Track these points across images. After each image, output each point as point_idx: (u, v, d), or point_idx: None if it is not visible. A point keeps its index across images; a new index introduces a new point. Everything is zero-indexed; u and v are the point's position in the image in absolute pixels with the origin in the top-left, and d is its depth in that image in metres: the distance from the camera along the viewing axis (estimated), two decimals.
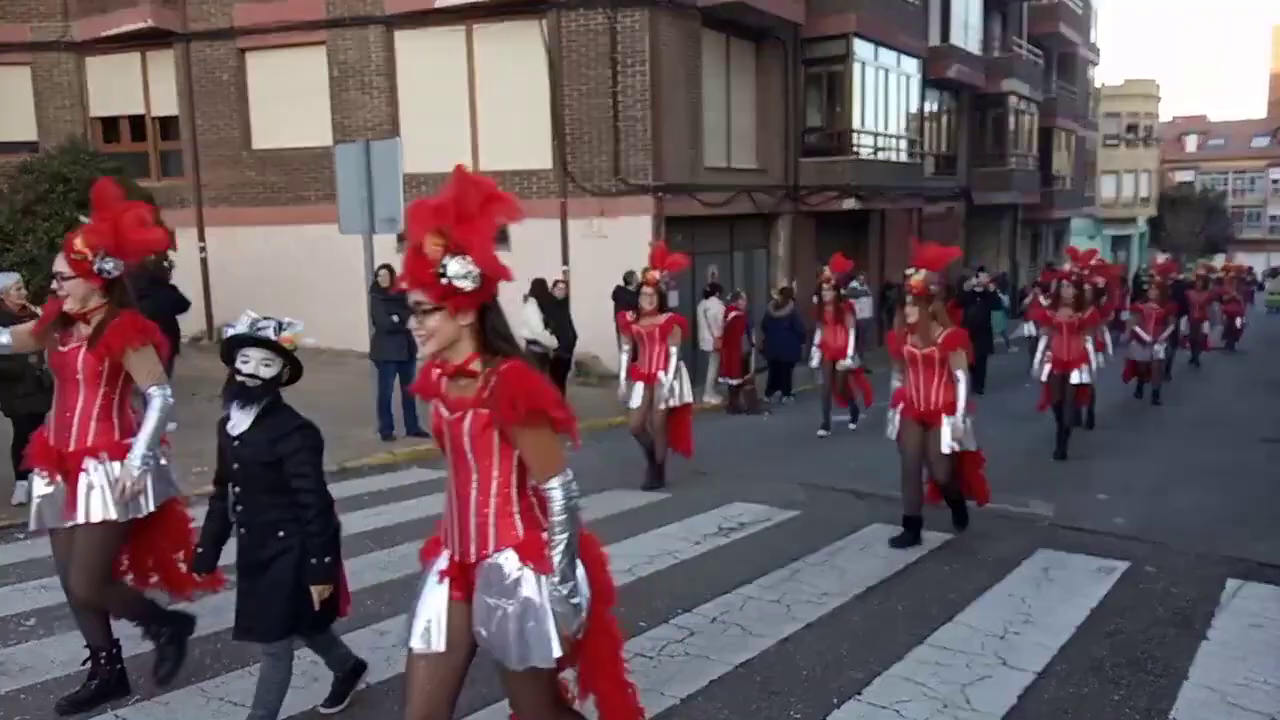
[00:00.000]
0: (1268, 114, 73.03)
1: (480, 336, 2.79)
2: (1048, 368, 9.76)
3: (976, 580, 5.79)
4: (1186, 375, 16.73)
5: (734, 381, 13.39)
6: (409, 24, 15.36)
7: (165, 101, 17.28)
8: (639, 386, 8.34)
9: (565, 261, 14.80)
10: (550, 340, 11.27)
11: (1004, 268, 28.39)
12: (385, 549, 6.27)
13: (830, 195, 18.47)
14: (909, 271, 6.34)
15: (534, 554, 2.76)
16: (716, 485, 8.36)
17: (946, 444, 6.23)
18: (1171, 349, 14.75)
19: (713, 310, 13.71)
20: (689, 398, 8.47)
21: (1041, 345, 9.96)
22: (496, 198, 2.85)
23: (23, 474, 7.42)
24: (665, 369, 8.19)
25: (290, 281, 16.01)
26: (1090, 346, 9.73)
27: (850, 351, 11.04)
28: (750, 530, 6.94)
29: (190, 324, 17.04)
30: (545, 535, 2.75)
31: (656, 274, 8.34)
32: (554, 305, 11.63)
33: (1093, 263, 12.22)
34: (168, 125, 17.54)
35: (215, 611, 5.10)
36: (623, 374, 8.83)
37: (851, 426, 11.44)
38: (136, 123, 17.76)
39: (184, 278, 14.72)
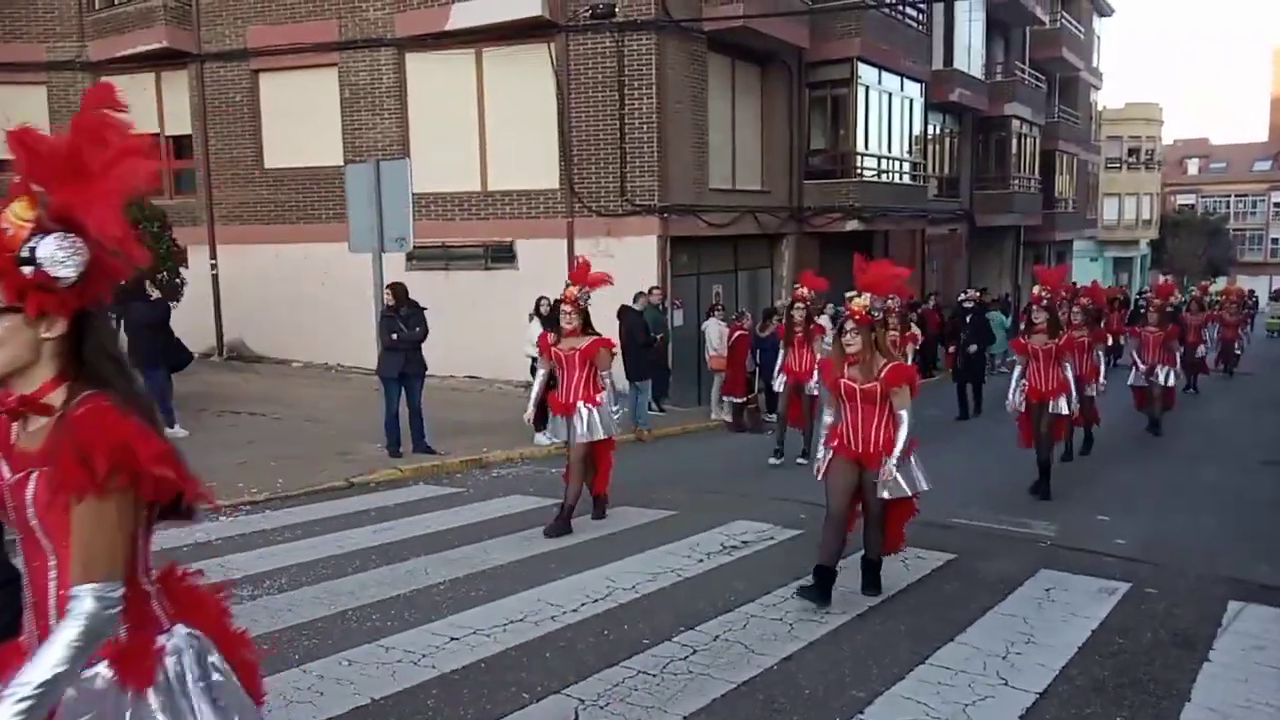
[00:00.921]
0: (1269, 138, 73.29)
1: (68, 358, 1.93)
2: (1021, 398, 8.92)
3: (978, 600, 5.82)
4: (1184, 401, 15.83)
5: (738, 400, 13.45)
6: (419, 46, 15.56)
7: (179, 121, 17.50)
8: (564, 421, 7.46)
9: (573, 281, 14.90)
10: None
11: (1006, 289, 28.49)
12: (390, 565, 6.32)
13: (834, 216, 18.63)
14: (850, 295, 5.62)
15: (131, 668, 1.92)
16: (720, 503, 8.42)
17: (881, 488, 5.54)
18: (1178, 376, 13.95)
19: (712, 330, 13.85)
20: (607, 432, 7.39)
21: (1015, 374, 9.12)
22: (131, 150, 1.92)
23: None
24: (589, 399, 7.24)
25: (300, 299, 16.17)
26: (1069, 374, 8.86)
27: (816, 377, 9.85)
28: (753, 548, 6.98)
29: (200, 340, 17.19)
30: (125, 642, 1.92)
31: (574, 290, 7.27)
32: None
33: (1078, 284, 11.87)
34: (181, 144, 17.75)
35: (254, 617, 5.16)
36: (531, 401, 7.89)
37: (800, 461, 10.22)
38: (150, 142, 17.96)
39: (196, 294, 14.90)
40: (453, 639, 4.99)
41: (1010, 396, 9.07)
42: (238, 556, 6.49)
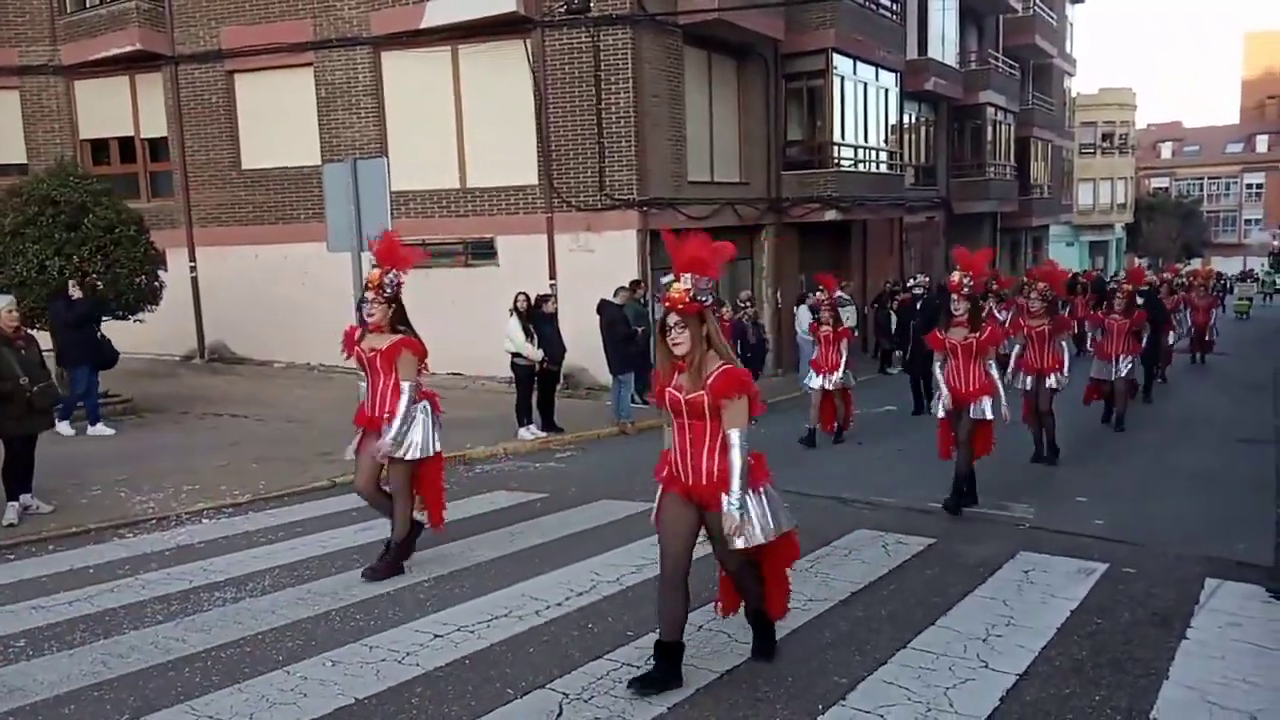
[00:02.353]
0: (1240, 120, 74.11)
1: None
2: (942, 401, 7.85)
3: (958, 584, 5.88)
4: (1156, 391, 14.72)
5: None
6: (395, 45, 15.50)
7: (154, 123, 17.38)
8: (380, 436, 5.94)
9: (552, 276, 14.92)
10: (535, 353, 11.36)
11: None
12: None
13: (812, 207, 18.70)
14: (666, 280, 4.57)
15: None
16: None
17: (732, 538, 4.25)
18: (1143, 367, 12.93)
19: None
20: (431, 448, 6.03)
21: (936, 371, 8.00)
22: None
23: (14, 494, 7.47)
24: (393, 410, 5.85)
25: (279, 299, 16.10)
26: (994, 372, 7.74)
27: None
28: None
29: (181, 343, 17.14)
30: None
31: (378, 272, 5.93)
32: (542, 319, 11.74)
33: (1033, 269, 10.74)
34: (157, 147, 17.64)
35: (204, 629, 5.17)
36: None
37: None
38: (126, 144, 17.85)
39: (176, 297, 14.81)
40: (437, 636, 5.01)
41: (935, 401, 8.09)
42: (220, 559, 6.49)
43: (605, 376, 13.20)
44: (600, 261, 14.50)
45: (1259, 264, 55.34)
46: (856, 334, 13.85)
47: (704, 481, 4.31)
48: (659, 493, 4.52)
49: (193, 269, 17.20)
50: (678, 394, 4.30)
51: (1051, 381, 9.79)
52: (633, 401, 12.81)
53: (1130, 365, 11.86)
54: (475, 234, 15.57)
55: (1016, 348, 10.14)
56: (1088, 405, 12.10)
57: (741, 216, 17.67)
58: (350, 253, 10.23)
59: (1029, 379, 9.94)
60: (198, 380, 15.26)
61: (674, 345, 4.25)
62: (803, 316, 16.38)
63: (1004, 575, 6.07)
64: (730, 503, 4.18)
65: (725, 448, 4.23)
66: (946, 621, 5.24)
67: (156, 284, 12.73)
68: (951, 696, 4.30)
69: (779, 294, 18.81)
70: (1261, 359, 20.46)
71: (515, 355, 11.34)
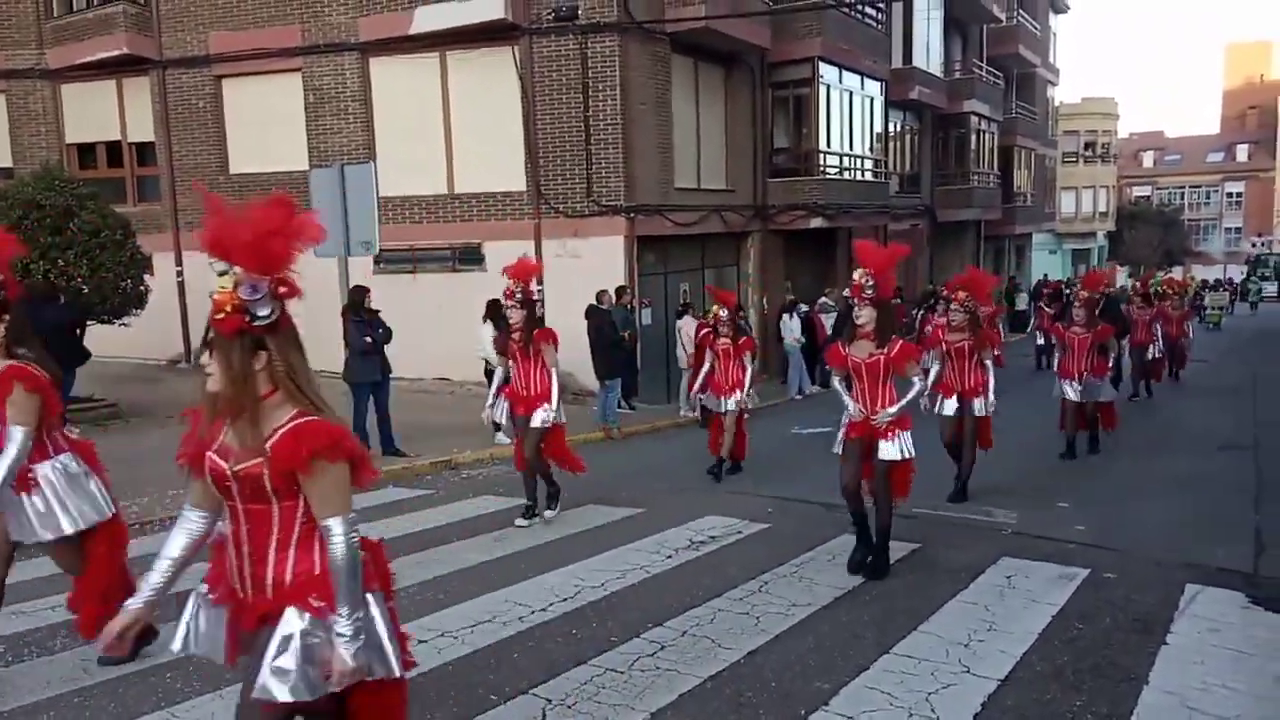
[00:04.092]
0: (1221, 130, 74.89)
1: None
2: (842, 433, 6.32)
3: (941, 589, 5.91)
4: (1132, 414, 13.53)
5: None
6: (384, 50, 15.50)
7: (141, 127, 17.31)
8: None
9: (540, 282, 14.93)
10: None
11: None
12: None
13: (798, 214, 18.81)
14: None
15: None
16: (688, 500, 8.49)
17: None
18: (1115, 385, 11.36)
19: (686, 329, 13.97)
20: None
21: (840, 390, 6.37)
22: None
23: None
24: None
25: None
26: (899, 396, 6.13)
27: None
28: (721, 543, 7.04)
29: (168, 348, 17.05)
30: None
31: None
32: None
33: (955, 277, 9.22)
34: (144, 151, 17.56)
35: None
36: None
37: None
38: (113, 148, 17.77)
39: (162, 302, 14.74)
40: (420, 642, 5.00)
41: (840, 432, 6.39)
42: (203, 565, 6.44)
43: (592, 382, 13.23)
44: (587, 268, 14.52)
45: (1239, 272, 55.79)
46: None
47: (270, 596, 2.72)
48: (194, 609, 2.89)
49: (179, 273, 17.12)
50: (221, 462, 2.70)
51: (977, 407, 8.36)
52: (619, 407, 12.86)
53: (1100, 385, 10.52)
54: (462, 239, 15.57)
55: (935, 367, 8.50)
56: (1062, 430, 10.65)
57: (728, 223, 17.75)
58: (337, 258, 10.24)
59: (948, 402, 8.41)
60: (184, 385, 15.15)
61: (208, 378, 2.75)
62: (790, 324, 16.47)
63: (986, 580, 6.10)
64: (340, 630, 2.62)
65: (321, 544, 2.67)
66: (929, 627, 5.27)
67: (142, 288, 12.67)
68: (933, 702, 4.32)
69: (765, 300, 18.89)
70: (1240, 365, 20.65)
71: (488, 361, 11.35)
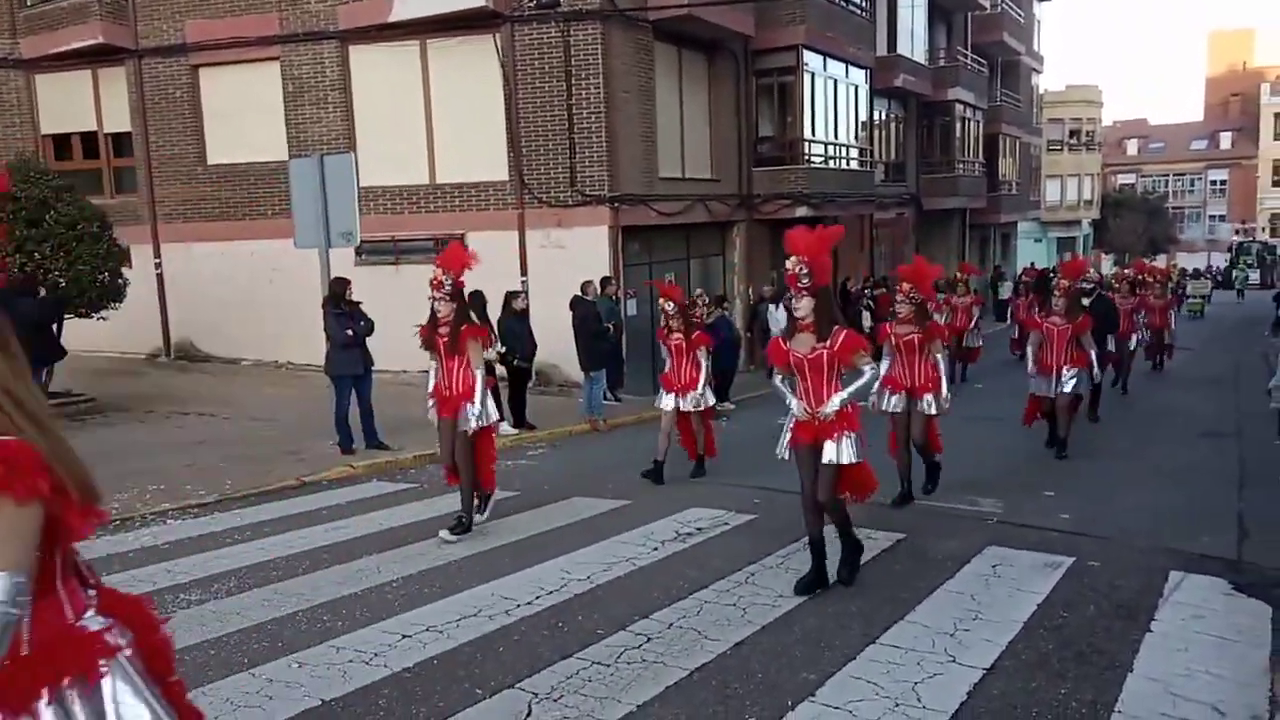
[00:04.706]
0: (1204, 118, 75.33)
1: None
2: (787, 437, 5.89)
3: (927, 579, 5.91)
4: (1115, 404, 13.66)
5: None
6: (363, 39, 15.34)
7: (118, 118, 17.10)
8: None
9: (524, 272, 14.87)
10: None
11: (954, 271, 28.84)
12: (342, 564, 6.26)
13: (783, 203, 18.78)
14: None
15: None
16: (674, 492, 8.46)
17: None
18: (1089, 381, 10.52)
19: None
20: None
21: (782, 389, 5.93)
22: None
23: None
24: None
25: (247, 296, 15.92)
26: (846, 395, 5.61)
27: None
28: (707, 535, 7.03)
29: (147, 341, 16.90)
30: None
31: None
32: (514, 316, 11.68)
33: (900, 267, 8.72)
34: (121, 142, 17.35)
35: (202, 621, 5.11)
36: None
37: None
38: (89, 139, 17.55)
39: (140, 295, 14.61)
40: (405, 637, 4.97)
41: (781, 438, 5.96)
42: (185, 560, 6.40)
43: (577, 373, 13.18)
44: (571, 258, 14.46)
45: (1222, 260, 56.20)
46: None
47: None
48: None
49: (158, 265, 16.97)
50: None
51: (926, 405, 7.85)
52: (604, 398, 12.81)
53: (1075, 379, 9.89)
54: (445, 230, 15.43)
55: (884, 362, 7.94)
56: (1029, 426, 10.49)
57: (713, 213, 17.70)
58: (318, 249, 10.15)
59: (894, 399, 7.94)
60: (163, 378, 15.05)
61: None
62: (776, 315, 16.44)
63: (972, 570, 6.11)
64: None
65: None
66: (915, 616, 5.27)
67: (120, 281, 12.55)
68: (919, 691, 4.32)
69: (751, 290, 18.87)
70: (1223, 354, 20.79)
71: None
